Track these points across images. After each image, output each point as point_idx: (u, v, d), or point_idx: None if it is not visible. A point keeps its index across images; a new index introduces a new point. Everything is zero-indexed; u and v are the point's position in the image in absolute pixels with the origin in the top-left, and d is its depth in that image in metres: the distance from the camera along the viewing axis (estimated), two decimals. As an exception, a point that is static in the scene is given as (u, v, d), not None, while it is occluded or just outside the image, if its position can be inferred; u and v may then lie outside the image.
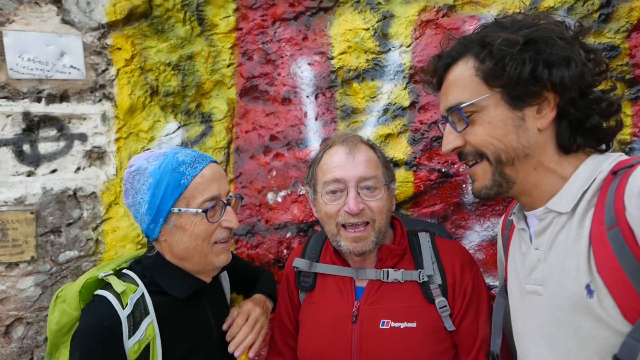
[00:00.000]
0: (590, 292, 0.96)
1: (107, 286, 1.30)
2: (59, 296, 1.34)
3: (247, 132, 2.36)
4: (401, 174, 2.08)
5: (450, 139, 1.18)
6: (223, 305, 1.60)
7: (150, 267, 1.39)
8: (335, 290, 1.51)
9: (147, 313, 1.27)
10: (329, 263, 1.56)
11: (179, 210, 1.31)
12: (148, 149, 2.22)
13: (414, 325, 1.37)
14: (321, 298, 1.53)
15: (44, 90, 2.02)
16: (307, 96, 2.28)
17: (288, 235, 2.24)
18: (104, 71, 2.15)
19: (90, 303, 1.27)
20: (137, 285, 1.32)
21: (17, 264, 1.97)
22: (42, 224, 1.97)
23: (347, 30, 2.20)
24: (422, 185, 2.09)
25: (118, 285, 1.28)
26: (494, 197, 1.18)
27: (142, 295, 1.30)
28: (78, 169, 2.06)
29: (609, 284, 0.93)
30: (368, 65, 2.16)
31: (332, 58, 2.23)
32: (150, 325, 1.26)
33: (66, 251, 2.00)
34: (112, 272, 1.34)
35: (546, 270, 1.09)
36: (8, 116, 1.96)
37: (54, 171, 2.02)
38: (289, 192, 2.26)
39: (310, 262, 1.58)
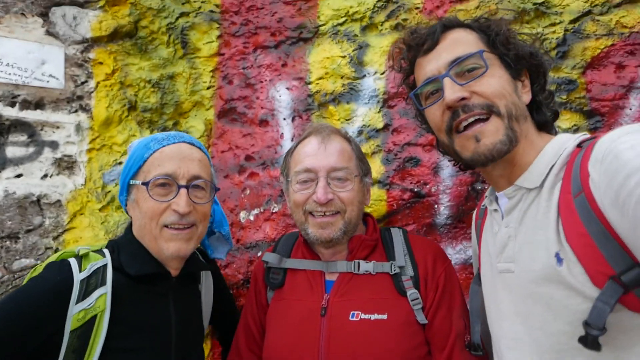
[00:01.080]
0: (559, 260, 0.96)
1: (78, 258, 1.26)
2: (35, 269, 1.27)
3: (223, 152, 2.37)
4: (374, 192, 2.10)
5: (456, 89, 1.12)
6: (193, 311, 1.48)
7: (120, 242, 1.34)
8: (305, 285, 1.45)
9: (103, 284, 1.20)
10: (299, 258, 1.52)
11: (133, 182, 1.30)
12: (120, 162, 2.20)
13: (384, 317, 1.32)
14: (290, 294, 1.47)
15: (19, 95, 2.01)
16: (284, 118, 2.33)
17: (259, 254, 2.18)
18: (83, 83, 2.17)
19: (54, 262, 1.23)
20: (104, 257, 1.27)
21: (-35, 271, 1.84)
22: (0, 228, 1.87)
23: (324, 58, 2.31)
24: (394, 204, 2.10)
25: (84, 251, 1.24)
26: (504, 155, 1.11)
27: (105, 267, 1.23)
28: (45, 175, 2.01)
29: (576, 251, 0.94)
30: (344, 89, 2.25)
31: (309, 83, 2.32)
32: (102, 297, 1.18)
33: (22, 258, 1.89)
34: (89, 248, 1.30)
35: (517, 246, 1.09)
36: (-22, 117, 1.92)
37: (19, 175, 1.96)
38: (262, 210, 2.23)
39: (280, 256, 1.54)
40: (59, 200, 2.00)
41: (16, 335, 1.06)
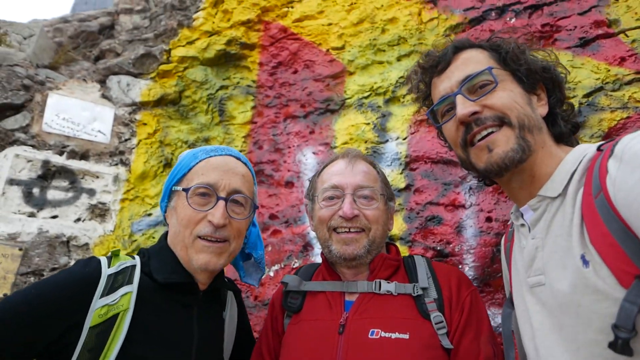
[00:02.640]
0: (585, 262, 0.93)
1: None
2: None
3: (248, 210, 2.44)
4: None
5: (468, 105, 1.16)
6: (215, 334, 1.41)
7: (152, 249, 1.33)
8: (324, 306, 1.39)
9: (130, 282, 1.17)
10: (319, 281, 1.48)
11: (175, 188, 1.30)
12: (150, 214, 2.28)
13: (406, 336, 1.22)
14: (307, 316, 1.40)
15: (68, 146, 2.20)
16: (309, 180, 2.42)
17: (276, 311, 2.11)
18: (126, 140, 2.36)
19: (83, 259, 1.23)
20: (134, 259, 1.26)
21: (-15, 305, 1.84)
22: (27, 264, 1.91)
23: (350, 125, 2.46)
24: (417, 262, 2.05)
25: (115, 251, 1.24)
26: (517, 164, 1.12)
27: (133, 267, 1.22)
28: (78, 219, 2.10)
29: (601, 252, 0.90)
30: (367, 152, 2.35)
31: (335, 147, 2.44)
32: (127, 295, 1.15)
33: (42, 296, 1.90)
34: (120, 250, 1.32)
35: (545, 256, 1.06)
36: (29, 161, 2.09)
37: (54, 217, 2.05)
38: (282, 266, 2.21)
39: (300, 279, 1.49)
40: (87, 244, 2.06)
41: (38, 322, 1.04)
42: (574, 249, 0.97)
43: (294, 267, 2.19)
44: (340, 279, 1.46)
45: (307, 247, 2.22)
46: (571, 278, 0.96)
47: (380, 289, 1.36)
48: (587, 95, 2.26)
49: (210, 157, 1.33)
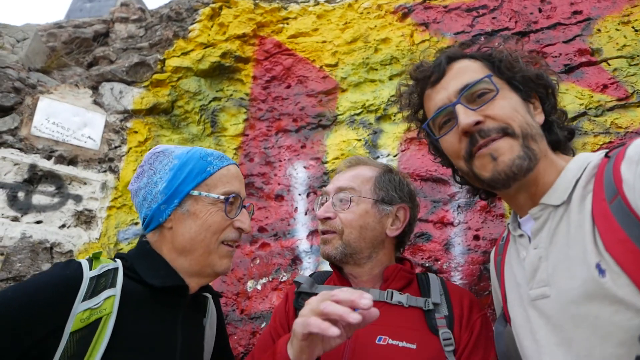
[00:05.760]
0: (601, 271, 0.89)
1: None
2: None
3: (236, 222, 2.42)
4: (385, 264, 2.08)
5: (470, 114, 1.11)
6: (197, 336, 1.38)
7: (133, 254, 1.28)
8: None
9: (113, 285, 1.13)
10: (331, 285, 1.49)
11: (200, 193, 1.26)
12: (137, 223, 2.25)
13: (413, 346, 1.22)
14: None
15: (56, 150, 2.17)
16: (299, 194, 2.43)
17: (262, 325, 2.08)
18: (116, 147, 2.34)
19: (62, 261, 1.18)
20: (115, 262, 1.21)
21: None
22: (7, 269, 1.85)
23: (341, 141, 2.49)
24: (406, 278, 2.06)
25: (95, 254, 1.19)
26: (525, 173, 1.07)
27: (116, 270, 1.18)
28: (63, 225, 2.05)
29: (619, 259, 0.87)
30: (358, 168, 2.37)
31: (326, 162, 2.46)
32: (111, 299, 1.10)
33: (21, 303, 1.84)
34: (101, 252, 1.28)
35: (550, 267, 1.02)
36: (16, 164, 2.05)
37: (39, 222, 2.00)
38: (270, 279, 2.19)
39: (312, 281, 1.50)
40: (71, 251, 2.02)
41: (15, 326, 0.98)
42: (588, 257, 0.92)
43: (282, 280, 2.17)
44: (350, 285, 1.47)
45: (295, 260, 2.21)
46: (584, 288, 0.92)
47: (392, 299, 1.37)
48: (571, 120, 2.33)
49: (227, 165, 1.36)
